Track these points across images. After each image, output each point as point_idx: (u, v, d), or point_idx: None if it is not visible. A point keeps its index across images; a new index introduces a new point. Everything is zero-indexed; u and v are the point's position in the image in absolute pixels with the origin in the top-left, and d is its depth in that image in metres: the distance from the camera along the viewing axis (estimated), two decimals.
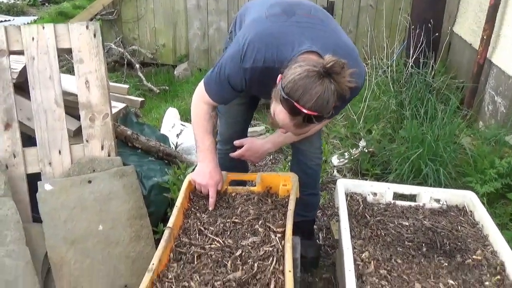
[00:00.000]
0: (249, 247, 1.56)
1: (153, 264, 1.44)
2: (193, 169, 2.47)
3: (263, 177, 1.90)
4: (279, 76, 1.44)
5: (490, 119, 3.50)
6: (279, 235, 1.62)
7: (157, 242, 2.27)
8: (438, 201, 1.92)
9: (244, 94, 1.83)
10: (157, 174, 2.36)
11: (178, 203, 1.75)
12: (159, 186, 2.29)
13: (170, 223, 1.63)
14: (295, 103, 1.34)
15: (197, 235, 1.65)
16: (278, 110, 1.42)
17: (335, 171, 3.03)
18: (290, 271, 1.39)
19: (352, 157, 3.01)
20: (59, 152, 2.01)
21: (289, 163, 2.99)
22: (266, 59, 1.55)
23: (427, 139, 2.56)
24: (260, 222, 1.69)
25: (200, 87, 1.78)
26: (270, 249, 1.55)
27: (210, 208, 1.79)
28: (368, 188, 1.95)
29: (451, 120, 2.77)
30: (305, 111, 1.34)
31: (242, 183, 2.28)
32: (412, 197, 2.06)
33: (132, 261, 2.04)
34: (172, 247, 1.58)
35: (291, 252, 1.47)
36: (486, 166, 2.49)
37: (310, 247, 2.15)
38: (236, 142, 1.96)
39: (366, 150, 2.98)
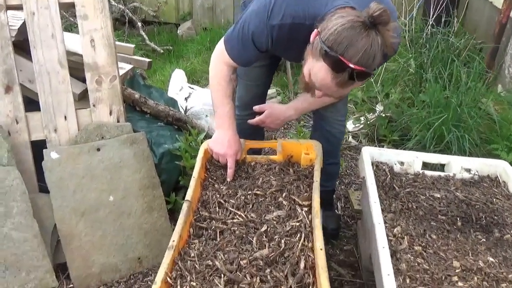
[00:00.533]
0: (274, 222, 1.46)
1: (174, 241, 1.33)
2: (205, 136, 2.37)
3: (284, 145, 1.78)
4: (314, 31, 1.29)
5: (511, 82, 3.34)
6: (305, 208, 1.51)
7: (170, 212, 2.19)
8: (468, 171, 1.81)
9: (266, 55, 1.69)
10: (167, 140, 2.23)
11: (195, 173, 1.63)
12: (170, 153, 2.17)
13: (188, 196, 1.52)
14: (340, 57, 1.20)
15: (217, 208, 1.55)
16: (317, 68, 1.27)
17: (350, 137, 2.91)
18: (321, 249, 1.29)
19: (368, 122, 2.89)
20: (65, 117, 1.88)
21: (303, 128, 2.87)
22: (296, 15, 1.39)
23: (452, 104, 2.42)
24: (284, 194, 1.58)
25: (220, 46, 1.63)
26: (297, 224, 1.45)
27: (229, 179, 1.68)
28: (394, 157, 1.83)
29: (475, 84, 2.62)
30: (351, 65, 1.20)
31: (258, 151, 2.16)
32: (436, 167, 1.95)
33: (144, 233, 1.95)
34: (192, 222, 1.48)
35: (321, 228, 1.37)
36: None
37: (330, 218, 2.06)
38: (256, 108, 1.82)
39: (384, 115, 2.85)
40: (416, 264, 1.35)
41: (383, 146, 2.78)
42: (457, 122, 2.42)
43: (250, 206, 1.54)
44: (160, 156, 2.13)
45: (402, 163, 1.83)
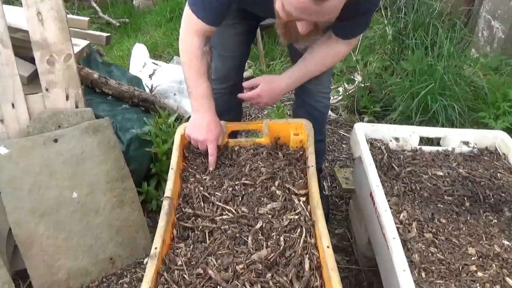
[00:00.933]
0: (270, 216, 1.28)
1: (156, 248, 1.13)
2: (177, 118, 2.14)
3: (270, 126, 1.59)
4: None
5: (485, 46, 3.26)
6: (302, 198, 1.34)
7: (142, 203, 1.97)
8: (467, 144, 1.69)
9: (238, 21, 1.55)
10: (134, 124, 1.99)
11: (172, 164, 1.42)
12: (138, 139, 1.94)
13: (168, 191, 1.31)
14: None
15: (202, 203, 1.35)
16: None
17: (329, 110, 2.75)
18: (328, 247, 1.13)
19: (347, 94, 2.73)
20: (12, 105, 1.60)
21: (282, 104, 2.68)
22: None
23: (437, 72, 2.29)
24: (276, 182, 1.40)
25: (186, 12, 1.43)
26: (296, 217, 1.27)
27: (211, 168, 1.48)
28: (389, 132, 1.69)
29: (459, 50, 2.50)
30: None
31: (235, 132, 1.96)
32: (430, 141, 1.83)
33: (116, 230, 1.73)
34: (174, 221, 1.28)
35: (324, 221, 1.21)
36: (499, 99, 2.28)
37: None
38: (247, 84, 1.62)
39: (363, 85, 2.70)
40: (430, 254, 1.22)
41: (363, 119, 2.65)
42: (442, 90, 2.30)
43: (240, 199, 1.35)
44: (128, 142, 1.90)
45: (397, 139, 1.69)
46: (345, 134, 2.56)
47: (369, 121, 2.60)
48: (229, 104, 1.91)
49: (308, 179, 1.39)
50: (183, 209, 1.33)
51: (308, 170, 1.40)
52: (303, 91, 1.84)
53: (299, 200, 1.33)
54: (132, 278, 1.73)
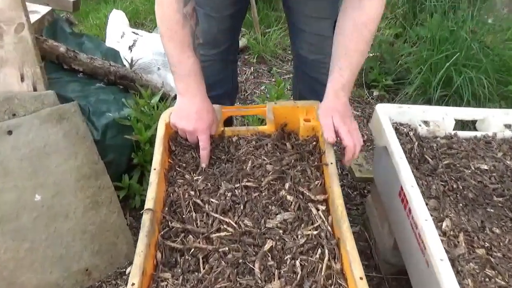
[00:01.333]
0: (281, 232, 1.00)
1: (134, 284, 0.85)
2: (162, 97, 1.82)
3: (275, 110, 1.29)
4: None
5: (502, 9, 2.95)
6: (321, 206, 1.06)
7: (123, 201, 1.68)
8: (509, 127, 1.41)
9: None
10: (111, 107, 1.68)
11: (155, 163, 1.13)
12: (116, 124, 1.63)
13: (149, 202, 1.02)
14: None
15: (193, 213, 1.06)
16: None
17: None
18: (362, 278, 0.86)
19: None
20: None
21: (273, 79, 2.37)
22: None
23: (461, 39, 1.99)
24: (286, 184, 1.11)
25: None
26: (314, 232, 1.00)
27: (203, 165, 1.19)
28: (418, 115, 1.40)
29: (480, 12, 2.19)
30: None
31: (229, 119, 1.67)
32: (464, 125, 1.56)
33: (91, 236, 1.45)
34: (158, 241, 1.00)
35: (353, 239, 0.93)
36: None
37: None
38: (329, 139, 1.14)
39: (373, 55, 2.39)
40: (486, 278, 0.96)
41: (372, 94, 2.35)
42: (466, 61, 2.00)
43: (241, 207, 1.07)
44: (103, 129, 1.59)
45: (426, 123, 1.40)
46: (354, 112, 2.27)
47: (379, 96, 2.31)
48: (221, 74, 1.63)
49: (326, 180, 1.10)
50: (169, 222, 1.04)
51: (327, 169, 1.11)
52: (302, 61, 1.56)
53: (317, 209, 1.05)
54: None
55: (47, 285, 1.40)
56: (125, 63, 2.04)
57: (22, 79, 1.33)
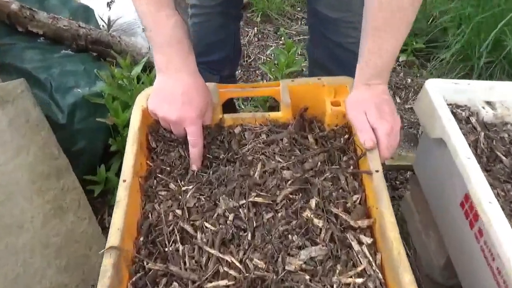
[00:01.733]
0: (307, 278, 0.68)
1: None
2: (145, 67, 1.46)
3: (292, 90, 0.95)
4: None
5: None
6: (366, 239, 0.73)
7: (101, 196, 1.38)
8: None
9: None
10: (80, 80, 1.33)
11: (125, 173, 0.80)
12: (86, 103, 1.29)
13: (113, 235, 0.69)
14: None
15: (179, 245, 0.74)
16: None
17: None
18: None
19: None
20: None
21: (280, 41, 2.01)
22: None
23: None
24: (312, 201, 0.78)
25: None
26: (358, 281, 0.67)
27: (194, 168, 0.86)
28: (481, 93, 1.05)
29: None
30: None
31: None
32: None
33: (56, 250, 1.13)
34: None
35: None
36: None
37: None
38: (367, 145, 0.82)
39: None
40: None
41: (398, 58, 1.98)
42: None
43: (249, 237, 0.74)
44: (70, 110, 1.26)
45: (490, 104, 1.06)
46: None
47: (407, 62, 1.95)
48: (221, 33, 1.35)
49: (369, 195, 0.77)
50: (144, 262, 0.72)
51: (371, 179, 0.77)
52: (321, 20, 1.24)
53: (359, 243, 0.72)
54: None
55: None
56: (101, 23, 1.66)
57: None
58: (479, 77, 1.67)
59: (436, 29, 1.86)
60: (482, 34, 1.65)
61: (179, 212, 0.79)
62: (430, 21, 1.91)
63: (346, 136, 0.90)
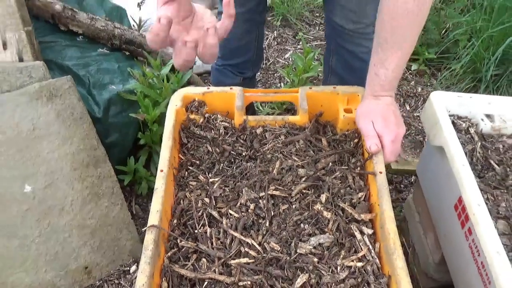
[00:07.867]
0: (315, 260, 0.80)
1: None
2: (174, 68, 1.59)
3: (310, 97, 1.06)
4: None
5: None
6: (368, 230, 0.84)
7: (129, 187, 1.51)
8: None
9: None
10: (115, 78, 1.46)
11: (162, 163, 0.92)
12: (120, 99, 1.42)
13: (153, 216, 0.82)
14: None
15: (208, 228, 0.86)
16: None
17: None
18: None
19: None
20: None
21: (298, 45, 2.11)
22: None
23: None
24: (323, 196, 0.90)
25: None
26: (358, 264, 0.79)
27: (178, 68, 0.75)
28: (481, 107, 1.15)
29: None
30: None
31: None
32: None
33: (91, 231, 1.27)
34: (165, 266, 0.80)
35: (410, 284, 0.73)
36: None
37: None
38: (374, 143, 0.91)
39: None
40: None
41: (410, 68, 2.08)
42: None
43: (267, 223, 0.86)
44: (106, 105, 1.38)
45: (490, 117, 1.16)
46: None
47: (419, 72, 2.04)
48: (244, 39, 1.43)
49: (373, 193, 0.89)
50: (178, 240, 0.84)
51: (375, 180, 0.89)
52: (337, 31, 1.32)
53: (362, 233, 0.84)
54: None
55: (41, 284, 1.23)
56: (132, 23, 1.79)
57: (4, 46, 1.11)
58: (486, 89, 1.76)
59: (448, 41, 1.94)
60: (491, 48, 1.73)
61: (207, 200, 0.91)
62: (443, 33, 1.99)
63: (356, 140, 1.02)
